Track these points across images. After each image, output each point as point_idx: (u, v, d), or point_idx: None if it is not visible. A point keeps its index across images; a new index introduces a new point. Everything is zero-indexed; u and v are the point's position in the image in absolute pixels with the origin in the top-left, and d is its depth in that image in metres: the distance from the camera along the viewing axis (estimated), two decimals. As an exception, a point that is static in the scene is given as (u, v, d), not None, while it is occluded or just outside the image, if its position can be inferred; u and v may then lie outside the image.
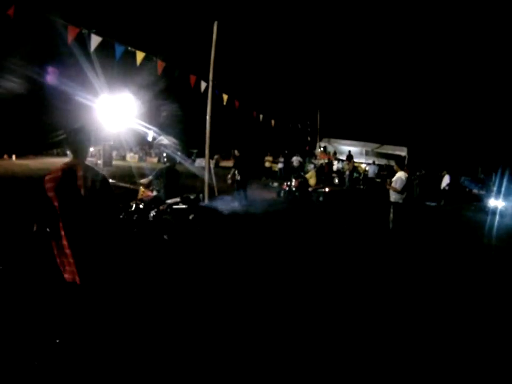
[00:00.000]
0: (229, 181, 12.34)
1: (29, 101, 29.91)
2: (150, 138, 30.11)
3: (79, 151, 3.10)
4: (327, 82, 33.37)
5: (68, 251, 2.94)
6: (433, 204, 17.17)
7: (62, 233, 2.92)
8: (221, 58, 12.38)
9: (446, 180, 17.57)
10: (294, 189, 14.44)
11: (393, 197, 8.60)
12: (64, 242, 2.93)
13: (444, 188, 17.58)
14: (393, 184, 8.56)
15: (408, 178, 8.74)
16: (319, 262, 6.63)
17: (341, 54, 34.11)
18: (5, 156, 27.92)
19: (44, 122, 30.46)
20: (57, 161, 29.42)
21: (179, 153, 7.69)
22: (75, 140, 3.08)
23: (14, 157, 28.43)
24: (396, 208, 8.59)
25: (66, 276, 3.01)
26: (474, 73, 30.40)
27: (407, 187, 8.66)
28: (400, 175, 8.56)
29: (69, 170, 2.98)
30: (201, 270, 5.74)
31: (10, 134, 26.76)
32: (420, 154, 27.83)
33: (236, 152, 12.64)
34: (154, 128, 28.20)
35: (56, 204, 2.89)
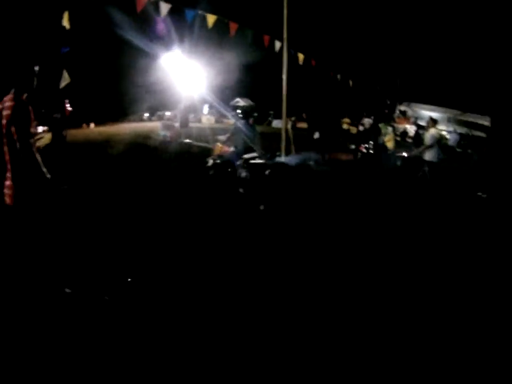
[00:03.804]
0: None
1: (106, 71, 31.51)
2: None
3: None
4: (408, 41, 31.06)
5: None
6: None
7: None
8: (295, 15, 11.95)
9: None
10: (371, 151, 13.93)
11: (427, 155, 8.73)
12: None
13: None
14: (425, 141, 8.91)
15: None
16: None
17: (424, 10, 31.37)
18: (83, 125, 29.56)
19: (120, 91, 31.95)
20: (133, 126, 31.09)
21: (255, 114, 7.72)
22: None
23: (92, 125, 30.09)
24: (430, 166, 8.74)
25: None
26: None
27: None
28: (433, 132, 8.81)
29: None
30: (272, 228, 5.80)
31: (88, 103, 28.14)
32: (504, 125, 25.06)
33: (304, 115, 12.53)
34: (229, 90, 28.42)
35: None
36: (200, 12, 9.63)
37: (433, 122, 9.30)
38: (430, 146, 8.67)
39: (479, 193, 9.12)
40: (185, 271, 3.99)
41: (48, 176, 3.34)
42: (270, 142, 12.68)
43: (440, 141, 9.31)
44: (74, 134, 19.40)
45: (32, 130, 3.31)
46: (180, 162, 11.67)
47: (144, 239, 4.88)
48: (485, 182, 10.02)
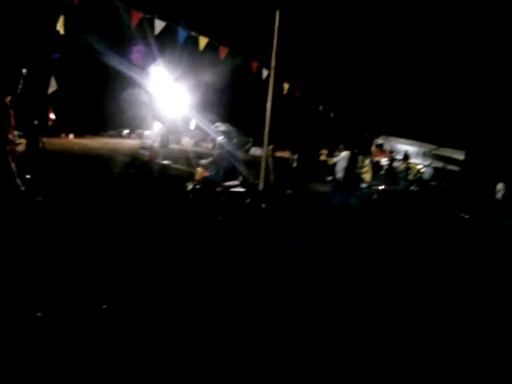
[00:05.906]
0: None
1: (91, 85, 31.35)
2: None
3: None
4: (386, 77, 32.19)
5: None
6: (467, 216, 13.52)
7: None
8: (283, 47, 12.25)
9: (500, 189, 15.77)
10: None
11: (338, 175, 9.20)
12: None
13: (498, 198, 15.70)
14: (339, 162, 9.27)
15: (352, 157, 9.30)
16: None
17: (401, 47, 32.63)
18: (63, 135, 29.08)
19: (103, 106, 31.75)
20: (111, 142, 30.72)
21: (234, 140, 7.66)
22: None
23: (71, 136, 29.68)
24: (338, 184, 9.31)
25: None
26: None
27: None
28: (345, 154, 9.23)
29: None
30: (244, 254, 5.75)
31: (70, 114, 27.80)
32: (479, 159, 26.09)
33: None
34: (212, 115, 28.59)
35: None
36: (193, 34, 9.72)
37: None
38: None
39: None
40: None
41: (23, 188, 3.15)
42: (249, 170, 12.74)
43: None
44: (52, 143, 19.04)
45: (10, 136, 3.06)
46: (158, 184, 11.54)
47: (117, 257, 4.72)
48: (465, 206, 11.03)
